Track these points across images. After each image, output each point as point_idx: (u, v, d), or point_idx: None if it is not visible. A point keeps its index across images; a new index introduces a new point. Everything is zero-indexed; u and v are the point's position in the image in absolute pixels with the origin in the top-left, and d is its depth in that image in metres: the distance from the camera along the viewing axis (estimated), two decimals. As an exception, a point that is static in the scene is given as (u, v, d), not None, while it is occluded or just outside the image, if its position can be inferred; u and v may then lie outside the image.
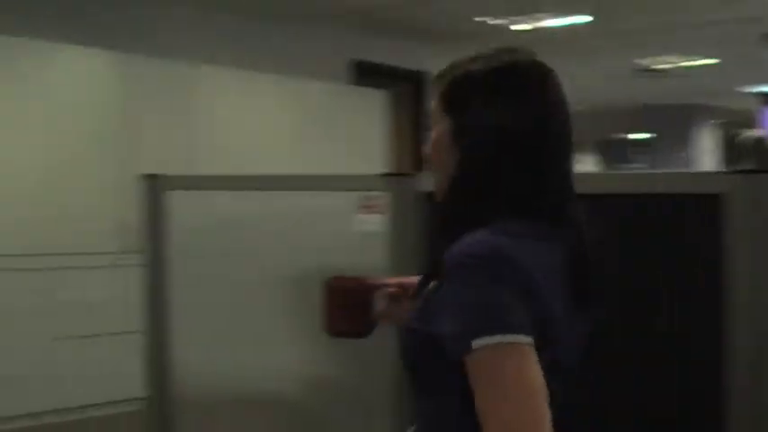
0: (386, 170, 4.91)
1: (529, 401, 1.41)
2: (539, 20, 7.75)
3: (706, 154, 14.45)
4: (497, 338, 1.42)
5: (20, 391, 5.58)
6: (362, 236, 2.82)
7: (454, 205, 1.61)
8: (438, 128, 1.64)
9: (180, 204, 3.50)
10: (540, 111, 1.57)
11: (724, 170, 2.65)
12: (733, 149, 8.66)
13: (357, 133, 7.49)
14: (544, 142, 1.57)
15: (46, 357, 5.74)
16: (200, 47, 7.07)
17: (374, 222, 2.79)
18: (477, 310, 1.44)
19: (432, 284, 1.58)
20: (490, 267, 1.46)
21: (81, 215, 5.94)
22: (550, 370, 1.46)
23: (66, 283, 5.76)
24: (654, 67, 10.20)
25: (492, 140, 1.56)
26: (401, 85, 8.75)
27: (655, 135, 14.67)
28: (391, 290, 1.92)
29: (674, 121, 14.19)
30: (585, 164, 14.09)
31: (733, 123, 12.87)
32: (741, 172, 2.14)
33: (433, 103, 1.66)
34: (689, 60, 9.83)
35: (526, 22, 7.81)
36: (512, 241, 1.49)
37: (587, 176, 2.21)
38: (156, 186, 3.56)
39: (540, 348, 1.45)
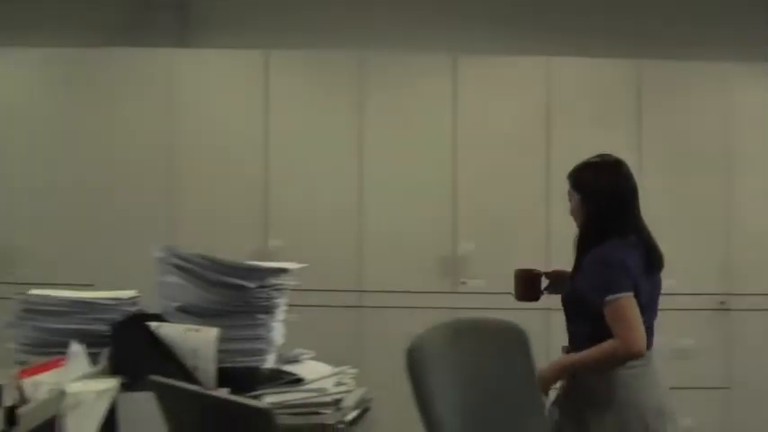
0: None
1: (640, 329, 2.92)
2: None
3: None
4: (617, 295, 2.92)
5: None
6: None
7: (587, 235, 3.10)
8: (574, 199, 3.17)
9: None
10: (613, 184, 3.10)
11: None
12: None
13: None
14: (621, 202, 3.09)
15: None
16: None
17: None
18: (606, 281, 2.95)
19: (578, 273, 3.11)
20: (609, 262, 2.99)
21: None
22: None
23: None
24: None
25: (596, 205, 3.09)
26: None
27: None
28: (550, 276, 3.37)
29: None
30: None
31: None
32: None
33: (569, 185, 3.17)
34: None
35: None
36: (617, 248, 3.01)
37: None
38: None
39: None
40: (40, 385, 2.11)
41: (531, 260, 4.97)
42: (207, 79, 5.49)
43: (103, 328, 2.67)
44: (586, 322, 3.00)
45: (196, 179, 5.40)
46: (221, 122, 5.42)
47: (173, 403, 1.84)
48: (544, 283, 3.38)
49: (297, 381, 2.53)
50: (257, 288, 2.64)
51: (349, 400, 2.51)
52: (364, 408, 2.60)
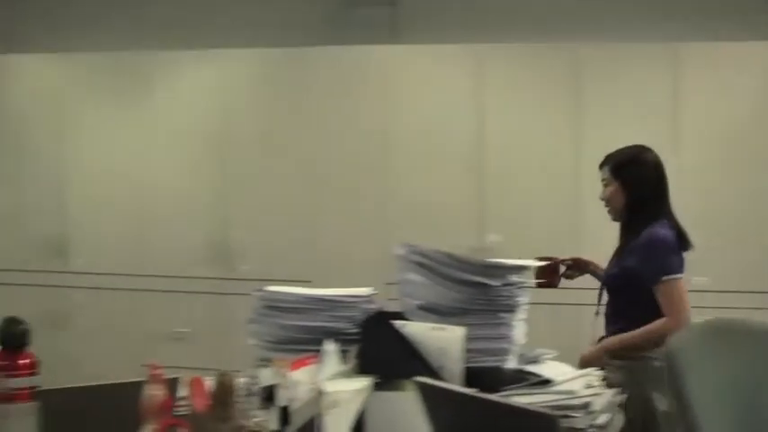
0: None
1: (689, 309, 3.13)
2: None
3: None
4: (674, 276, 3.15)
5: None
6: None
7: (630, 219, 3.33)
8: (611, 185, 3.35)
9: None
10: (653, 173, 3.33)
11: None
12: None
13: None
14: (659, 186, 3.33)
15: None
16: None
17: None
18: (662, 262, 3.17)
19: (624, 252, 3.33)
20: (661, 242, 3.21)
21: None
22: None
23: None
24: None
25: (637, 191, 3.31)
26: None
27: None
28: (569, 262, 3.60)
29: None
30: None
31: None
32: None
33: (605, 173, 3.37)
34: None
35: None
36: (663, 230, 3.23)
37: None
38: None
39: None
40: (298, 384, 2.14)
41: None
42: (420, 75, 5.53)
43: (345, 325, 2.69)
44: (634, 302, 3.19)
45: (411, 174, 5.45)
46: (436, 117, 5.46)
47: (442, 406, 1.82)
48: (562, 269, 3.57)
49: (544, 382, 2.47)
50: (501, 286, 2.60)
51: (598, 404, 2.42)
52: (614, 411, 2.50)
